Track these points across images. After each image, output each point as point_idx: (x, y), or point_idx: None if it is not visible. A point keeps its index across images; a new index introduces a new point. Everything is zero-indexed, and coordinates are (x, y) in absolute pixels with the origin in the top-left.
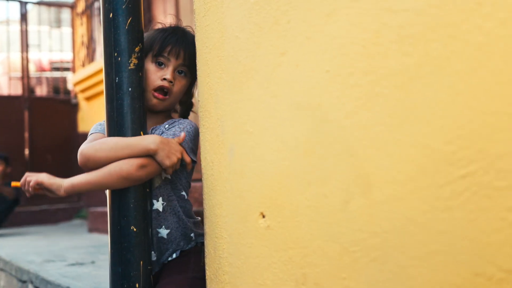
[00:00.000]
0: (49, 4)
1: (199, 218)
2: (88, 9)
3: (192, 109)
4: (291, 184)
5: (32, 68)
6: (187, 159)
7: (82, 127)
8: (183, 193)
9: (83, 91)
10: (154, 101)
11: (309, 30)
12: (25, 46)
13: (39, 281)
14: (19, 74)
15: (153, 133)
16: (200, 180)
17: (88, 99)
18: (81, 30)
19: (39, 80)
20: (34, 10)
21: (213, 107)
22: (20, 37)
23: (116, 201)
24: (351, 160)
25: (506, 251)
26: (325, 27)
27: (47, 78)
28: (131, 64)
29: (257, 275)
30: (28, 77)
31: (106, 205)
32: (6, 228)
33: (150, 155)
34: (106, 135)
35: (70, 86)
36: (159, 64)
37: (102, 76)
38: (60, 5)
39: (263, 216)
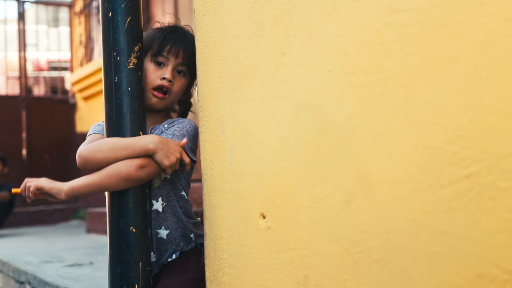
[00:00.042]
0: (47, 3)
1: (199, 218)
2: (86, 8)
3: (191, 109)
4: (292, 185)
5: (29, 68)
6: (186, 159)
7: (80, 127)
8: (183, 193)
9: (81, 90)
10: (154, 100)
11: (311, 30)
12: (22, 45)
13: (37, 282)
14: (16, 73)
15: (152, 133)
16: (198, 180)
17: (86, 99)
18: (79, 29)
19: (36, 79)
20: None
21: (213, 107)
22: (18, 36)
23: (115, 201)
24: (352, 160)
25: (509, 252)
26: (327, 27)
27: (44, 78)
28: (131, 64)
29: (257, 276)
30: (26, 76)
31: (104, 206)
32: (3, 229)
33: (149, 155)
34: (105, 135)
35: (68, 85)
36: (158, 64)
37: (100, 75)
38: (58, 4)
39: (264, 217)
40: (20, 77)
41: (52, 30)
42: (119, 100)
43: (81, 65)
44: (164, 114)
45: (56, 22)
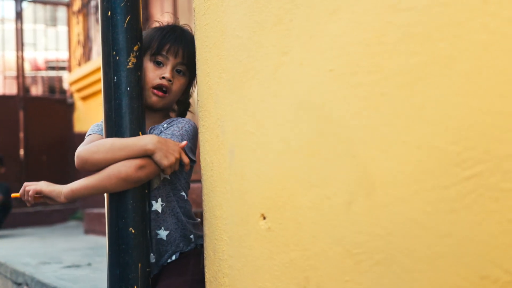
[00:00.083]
0: (44, 2)
1: (199, 219)
2: (85, 8)
3: (190, 109)
4: (293, 185)
5: (27, 67)
6: (186, 159)
7: (78, 127)
8: (183, 193)
9: (79, 90)
10: (154, 98)
11: (312, 29)
12: (20, 44)
13: (34, 283)
14: (14, 73)
15: (152, 133)
16: (197, 181)
17: (84, 98)
18: (77, 28)
19: (34, 79)
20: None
21: (212, 107)
22: (15, 36)
23: (114, 202)
24: (354, 161)
25: None
26: (328, 26)
27: (42, 78)
28: (130, 63)
29: (257, 278)
30: (23, 76)
31: (102, 207)
32: (1, 230)
33: (148, 155)
34: (104, 135)
35: (66, 85)
36: (158, 63)
37: (99, 75)
38: (56, 3)
39: (264, 218)
40: (17, 77)
41: (50, 30)
42: (118, 100)
43: (79, 64)
44: (163, 113)
45: (54, 21)
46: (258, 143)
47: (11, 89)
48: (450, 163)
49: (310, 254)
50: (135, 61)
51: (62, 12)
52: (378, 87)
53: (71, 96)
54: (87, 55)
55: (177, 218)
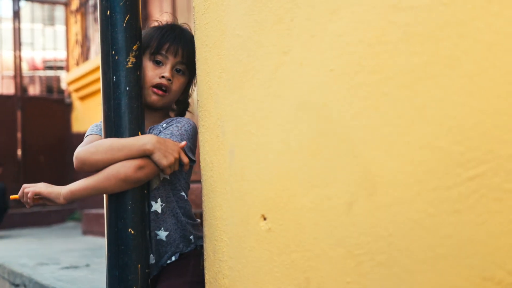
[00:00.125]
0: (42, 2)
1: (199, 220)
2: (83, 7)
3: (189, 109)
4: (294, 186)
5: (25, 67)
6: (185, 159)
7: (76, 127)
8: (183, 193)
9: (77, 90)
10: (153, 97)
11: (313, 28)
12: (17, 44)
13: (32, 284)
14: (11, 73)
15: (151, 133)
16: (196, 181)
17: (83, 98)
18: (75, 28)
19: (32, 79)
20: (27, 7)
21: (212, 107)
22: (13, 35)
23: (113, 203)
24: (356, 162)
25: None
26: (329, 25)
27: (40, 77)
28: (129, 63)
29: (258, 279)
30: (21, 76)
31: (100, 207)
32: None
33: (147, 155)
34: (103, 135)
35: (64, 85)
36: (157, 63)
37: (97, 75)
38: (53, 2)
39: (265, 219)
40: (15, 77)
41: (48, 29)
42: (118, 100)
43: (77, 64)
44: (162, 113)
45: (51, 21)
46: (258, 144)
47: (9, 89)
48: (452, 164)
49: (311, 255)
50: (134, 60)
51: (60, 11)
52: (380, 87)
53: (69, 96)
54: (85, 55)
55: (177, 218)
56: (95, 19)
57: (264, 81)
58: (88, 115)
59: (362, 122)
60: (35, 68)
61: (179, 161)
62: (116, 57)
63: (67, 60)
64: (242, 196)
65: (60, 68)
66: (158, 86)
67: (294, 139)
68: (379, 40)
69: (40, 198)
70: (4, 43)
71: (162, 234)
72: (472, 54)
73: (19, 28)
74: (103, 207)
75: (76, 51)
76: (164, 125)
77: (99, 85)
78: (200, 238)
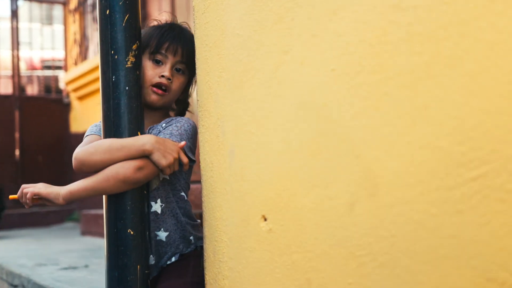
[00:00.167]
0: (40, 1)
1: (199, 220)
2: (81, 6)
3: (189, 109)
4: (295, 186)
5: (23, 67)
6: (184, 159)
7: (74, 127)
8: (183, 193)
9: (75, 90)
10: (153, 97)
11: (314, 28)
12: (15, 43)
13: (31, 285)
14: (9, 72)
15: (150, 133)
16: (196, 182)
17: (81, 98)
18: (74, 27)
19: (30, 79)
20: (25, 7)
21: (212, 106)
22: (11, 35)
23: (113, 203)
24: (357, 162)
25: None
26: (330, 25)
27: (38, 77)
28: (128, 62)
29: (258, 280)
30: (19, 75)
31: (99, 208)
32: None
33: (146, 156)
34: (102, 135)
35: (62, 85)
36: (156, 62)
37: (95, 74)
38: (52, 2)
39: (265, 219)
40: (13, 76)
41: (46, 28)
42: (117, 100)
43: (76, 64)
44: (162, 112)
45: (50, 20)
46: (258, 144)
47: (7, 89)
48: (455, 164)
49: (312, 256)
50: (133, 60)
51: (58, 10)
52: (381, 87)
53: (67, 95)
54: (83, 54)
55: (177, 219)
56: (94, 19)
57: (264, 80)
58: (86, 115)
59: (363, 122)
60: (33, 68)
61: (178, 161)
62: (116, 57)
63: (65, 59)
64: (243, 197)
65: (58, 67)
66: (158, 85)
67: (295, 139)
68: (380, 40)
69: (39, 199)
70: (2, 42)
71: (162, 235)
72: (473, 54)
73: (17, 28)
74: (102, 208)
75: (75, 50)
76: (164, 124)
77: (98, 85)
78: (200, 239)
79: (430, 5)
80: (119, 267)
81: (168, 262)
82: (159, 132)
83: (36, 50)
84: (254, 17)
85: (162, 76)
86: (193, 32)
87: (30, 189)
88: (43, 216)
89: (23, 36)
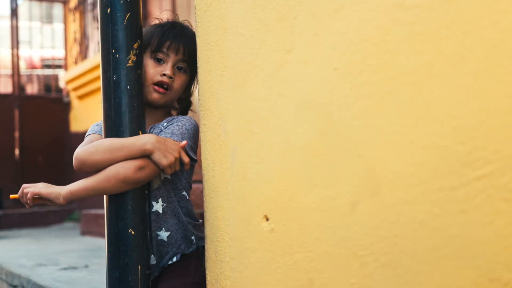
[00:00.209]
0: None
1: (201, 220)
2: (81, 5)
3: (191, 108)
4: (297, 186)
5: (22, 66)
6: (185, 159)
7: (74, 126)
8: (184, 193)
9: (75, 89)
10: (155, 95)
11: (317, 26)
12: (15, 42)
13: (30, 285)
14: (9, 71)
15: (152, 132)
16: (196, 181)
17: (81, 97)
18: (74, 26)
19: (30, 77)
20: (24, 5)
21: (214, 106)
22: (10, 33)
23: (113, 203)
24: (360, 162)
25: None
26: (333, 23)
27: (38, 76)
28: (130, 61)
29: (260, 280)
30: (19, 74)
31: (99, 207)
32: None
33: (147, 155)
34: (103, 134)
35: (62, 84)
36: (158, 60)
37: (95, 73)
38: (52, 0)
39: (267, 219)
40: (12, 75)
41: (46, 27)
42: (118, 99)
43: (76, 63)
44: (164, 111)
45: (50, 19)
46: (260, 143)
47: (6, 88)
48: (458, 163)
49: (314, 256)
50: (135, 59)
51: (58, 9)
52: (384, 86)
53: (68, 95)
54: (83, 53)
55: (178, 219)
56: (94, 17)
57: (266, 79)
58: (86, 114)
59: (365, 121)
60: (33, 67)
61: (179, 160)
62: (117, 56)
63: (66, 58)
64: (244, 196)
65: (58, 66)
66: (159, 84)
67: (297, 138)
68: (383, 38)
69: (39, 198)
70: (2, 41)
71: (163, 235)
72: (476, 53)
73: (16, 26)
74: (102, 208)
75: (75, 49)
76: (165, 124)
77: (98, 84)
78: (201, 239)
79: (433, 4)
80: (120, 267)
81: (170, 262)
82: (160, 131)
83: (36, 49)
84: (257, 15)
85: (164, 74)
86: (194, 31)
87: (30, 189)
88: (43, 216)
89: (23, 35)
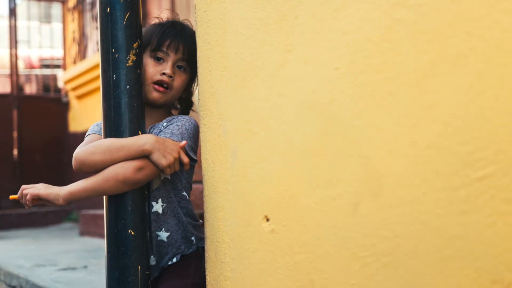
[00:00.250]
0: None
1: (201, 221)
2: (80, 4)
3: (192, 108)
4: (298, 187)
5: (21, 65)
6: (185, 159)
7: (73, 126)
8: (184, 193)
9: (74, 89)
10: (155, 94)
11: (318, 26)
12: (14, 42)
13: (29, 286)
14: (7, 71)
15: (151, 132)
16: (196, 182)
17: (80, 97)
18: (73, 26)
19: (28, 77)
20: (23, 5)
21: (214, 106)
22: (9, 33)
23: (113, 203)
24: (361, 162)
25: None
26: (334, 23)
27: (36, 76)
28: (129, 61)
29: (261, 281)
30: (17, 74)
31: (97, 208)
32: None
33: (146, 156)
34: (102, 134)
35: (60, 84)
36: (158, 59)
37: (94, 73)
38: (50, 0)
39: (267, 220)
40: (11, 75)
41: (44, 27)
42: (118, 99)
43: (74, 62)
44: (164, 111)
45: (48, 18)
46: (261, 143)
47: (5, 88)
48: (461, 164)
49: (315, 257)
50: (134, 58)
51: (56, 8)
52: (386, 85)
53: (66, 95)
54: (82, 53)
55: (178, 219)
56: (93, 17)
57: (267, 79)
58: (85, 114)
59: (367, 121)
60: (31, 67)
61: (179, 161)
62: (116, 55)
63: (64, 58)
64: (245, 197)
65: (57, 66)
66: (159, 83)
67: (298, 139)
68: (385, 38)
69: (39, 199)
70: (0, 41)
71: (163, 235)
72: (479, 52)
73: (15, 26)
74: (100, 208)
75: (73, 49)
76: (165, 123)
77: (97, 84)
78: (202, 239)
79: (436, 2)
80: (119, 268)
81: (169, 263)
82: (160, 131)
83: (35, 48)
84: (257, 15)
85: (163, 73)
86: (194, 30)
87: (30, 190)
88: (41, 216)
89: (21, 35)
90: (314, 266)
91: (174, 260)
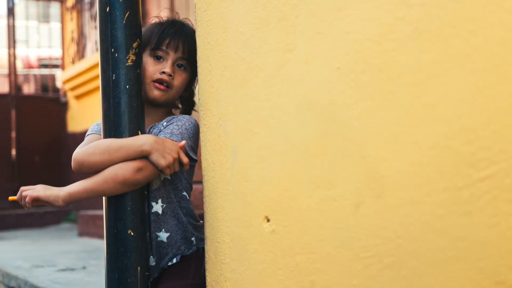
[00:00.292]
0: None
1: (202, 221)
2: (79, 4)
3: (194, 108)
4: (299, 187)
5: (19, 65)
6: (184, 159)
7: (71, 126)
8: (185, 193)
9: (72, 89)
10: (155, 92)
11: (319, 25)
12: (12, 41)
13: (28, 287)
14: (6, 71)
15: (151, 132)
16: (196, 182)
17: (78, 97)
18: (71, 25)
19: (26, 77)
20: (21, 4)
21: (214, 106)
22: (7, 33)
23: (113, 203)
24: (363, 162)
25: None
26: (336, 22)
27: (35, 76)
28: (129, 61)
29: (261, 282)
30: (15, 74)
31: (96, 208)
32: None
33: (145, 156)
34: (102, 134)
35: (59, 84)
36: (157, 58)
37: (93, 73)
38: None
39: (268, 220)
40: (9, 75)
41: (43, 26)
42: (117, 99)
43: (73, 62)
44: (165, 110)
45: (47, 18)
46: (261, 143)
47: (3, 88)
48: (463, 164)
49: (316, 258)
50: (134, 58)
51: (55, 8)
52: (388, 85)
53: (65, 94)
54: (81, 53)
55: (178, 219)
56: (91, 16)
57: (267, 79)
58: (83, 114)
59: (369, 121)
60: (29, 66)
61: (179, 161)
62: (116, 55)
63: (63, 58)
64: (245, 197)
65: (56, 66)
66: (159, 81)
67: (299, 139)
68: (387, 37)
69: (38, 200)
70: None
71: (163, 236)
72: (482, 51)
73: (13, 25)
74: (99, 208)
75: (72, 49)
76: (165, 123)
77: (95, 83)
78: (202, 240)
79: (438, 1)
80: (119, 269)
81: (169, 264)
82: (160, 131)
83: (33, 48)
84: (258, 14)
85: (163, 72)
86: (194, 29)
87: (29, 192)
88: (40, 217)
89: (19, 34)
90: (315, 267)
91: (174, 260)
